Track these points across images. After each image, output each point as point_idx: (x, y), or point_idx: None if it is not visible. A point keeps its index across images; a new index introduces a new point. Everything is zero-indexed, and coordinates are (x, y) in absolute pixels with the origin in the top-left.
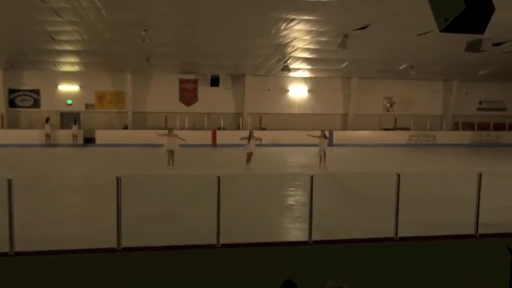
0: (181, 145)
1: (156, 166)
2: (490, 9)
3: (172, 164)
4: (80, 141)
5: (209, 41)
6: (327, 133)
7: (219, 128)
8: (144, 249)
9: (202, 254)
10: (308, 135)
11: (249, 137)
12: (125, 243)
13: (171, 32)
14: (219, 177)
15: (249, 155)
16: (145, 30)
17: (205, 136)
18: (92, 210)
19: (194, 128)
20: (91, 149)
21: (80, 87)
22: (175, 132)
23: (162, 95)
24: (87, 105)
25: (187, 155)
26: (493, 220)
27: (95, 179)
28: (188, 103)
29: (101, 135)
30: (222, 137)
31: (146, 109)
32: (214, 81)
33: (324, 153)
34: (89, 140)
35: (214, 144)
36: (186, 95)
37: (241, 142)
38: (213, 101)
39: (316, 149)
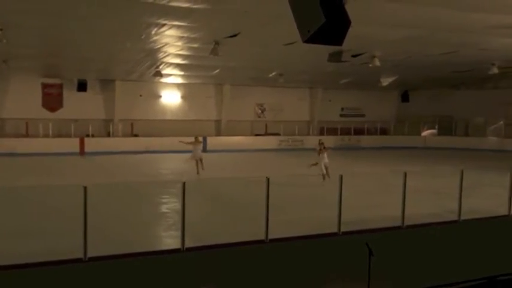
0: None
1: (17, 177)
2: (347, 23)
3: (203, 169)
4: None
5: (75, 43)
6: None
7: (88, 135)
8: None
9: (67, 269)
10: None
11: (320, 149)
12: None
13: (33, 33)
14: (85, 187)
15: (326, 169)
16: (0, 29)
17: (72, 144)
18: None
19: (59, 136)
20: None
21: None
22: (201, 139)
23: (22, 100)
24: None
25: (53, 164)
26: (353, 218)
27: None
28: (52, 109)
29: None
30: (91, 144)
31: (3, 115)
32: (82, 86)
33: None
34: None
35: (82, 152)
36: (49, 101)
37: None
38: (81, 106)
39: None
